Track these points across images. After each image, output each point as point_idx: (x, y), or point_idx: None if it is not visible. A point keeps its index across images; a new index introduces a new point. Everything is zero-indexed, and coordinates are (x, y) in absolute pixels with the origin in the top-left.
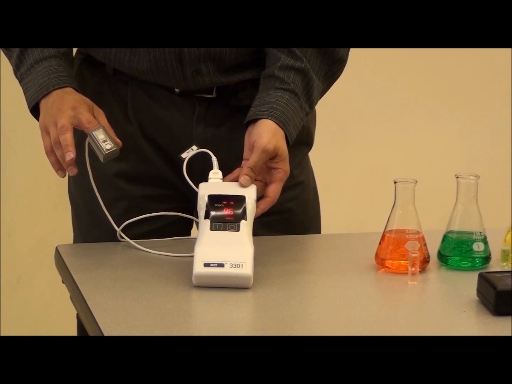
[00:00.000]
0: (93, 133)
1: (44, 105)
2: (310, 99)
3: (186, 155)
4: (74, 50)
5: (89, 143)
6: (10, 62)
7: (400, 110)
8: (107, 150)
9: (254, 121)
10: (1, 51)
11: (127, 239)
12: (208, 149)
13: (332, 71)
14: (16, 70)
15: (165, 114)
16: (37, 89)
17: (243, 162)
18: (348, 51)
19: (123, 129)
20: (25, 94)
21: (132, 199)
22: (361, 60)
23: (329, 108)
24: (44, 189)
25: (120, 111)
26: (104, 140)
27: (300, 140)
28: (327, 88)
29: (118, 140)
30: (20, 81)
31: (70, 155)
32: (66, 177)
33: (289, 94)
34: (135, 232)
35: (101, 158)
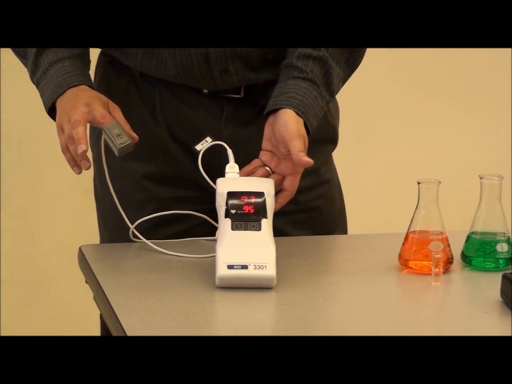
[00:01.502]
0: (107, 127)
1: (59, 104)
2: (330, 88)
3: (201, 147)
4: (97, 52)
5: (105, 139)
6: (26, 68)
7: (424, 109)
8: (121, 144)
9: (274, 112)
10: (18, 59)
11: (141, 238)
12: (237, 150)
13: (353, 57)
14: (33, 76)
15: (194, 115)
16: (52, 90)
17: (261, 152)
18: None
19: (151, 131)
20: (42, 97)
21: (160, 200)
22: (385, 60)
23: (352, 108)
24: (67, 189)
25: (148, 113)
26: (118, 134)
27: (326, 138)
28: (349, 75)
29: (134, 134)
30: (37, 86)
31: (82, 147)
32: (91, 178)
33: (307, 82)
34: (162, 233)
35: (116, 152)
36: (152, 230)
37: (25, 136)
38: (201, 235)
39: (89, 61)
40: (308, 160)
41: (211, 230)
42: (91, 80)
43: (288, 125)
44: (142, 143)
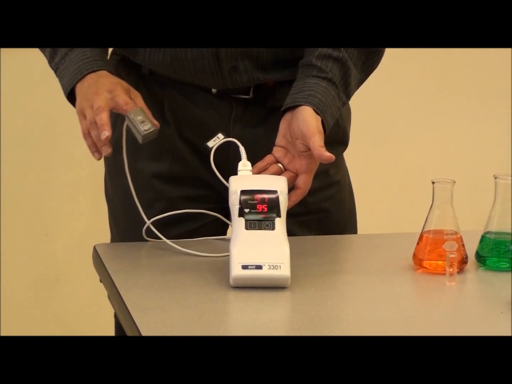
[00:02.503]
0: (131, 114)
1: (79, 90)
2: (347, 89)
3: (213, 143)
4: (109, 51)
5: (127, 126)
6: (44, 54)
7: (437, 109)
8: (145, 130)
9: (292, 108)
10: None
11: (159, 235)
12: (246, 150)
13: (370, 61)
14: (51, 61)
15: (202, 115)
16: (71, 75)
17: (275, 149)
18: None
19: (160, 130)
20: (60, 82)
21: (169, 200)
22: (396, 60)
23: (365, 108)
24: (81, 188)
25: (157, 112)
26: (142, 121)
27: (336, 139)
28: (364, 78)
29: (156, 122)
30: (55, 71)
31: (106, 133)
32: (103, 177)
33: (326, 82)
34: (172, 232)
35: (140, 139)
36: (162, 229)
37: (39, 135)
38: (210, 234)
39: (107, 49)
40: (330, 155)
41: (221, 229)
42: (111, 66)
43: (308, 121)
44: (151, 143)
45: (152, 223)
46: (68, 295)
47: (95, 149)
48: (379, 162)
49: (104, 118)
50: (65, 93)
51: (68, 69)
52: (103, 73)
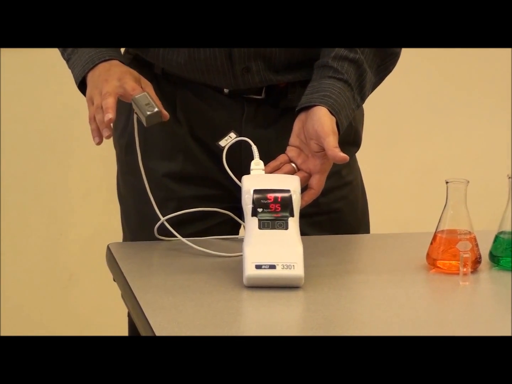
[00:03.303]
0: (137, 98)
1: (91, 78)
2: (362, 91)
3: (225, 143)
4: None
5: (135, 114)
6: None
7: (450, 109)
8: (150, 112)
9: (307, 108)
10: None
11: (174, 232)
12: (257, 150)
13: (384, 65)
14: (63, 51)
15: (214, 115)
16: (83, 64)
17: (288, 148)
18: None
19: (172, 129)
20: (72, 72)
21: (181, 199)
22: (409, 60)
23: (379, 108)
24: (95, 187)
25: (169, 112)
26: (147, 103)
27: (348, 140)
28: (379, 82)
29: (165, 112)
30: (67, 61)
31: (109, 115)
32: (116, 177)
33: (342, 83)
34: (184, 232)
35: (144, 122)
36: (174, 229)
37: (53, 134)
38: (222, 233)
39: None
40: (344, 156)
41: (233, 229)
42: (122, 56)
43: (323, 121)
44: (162, 142)
45: (166, 221)
46: (81, 294)
47: (97, 133)
48: (392, 162)
49: (110, 102)
50: (76, 82)
51: (81, 58)
52: (115, 62)
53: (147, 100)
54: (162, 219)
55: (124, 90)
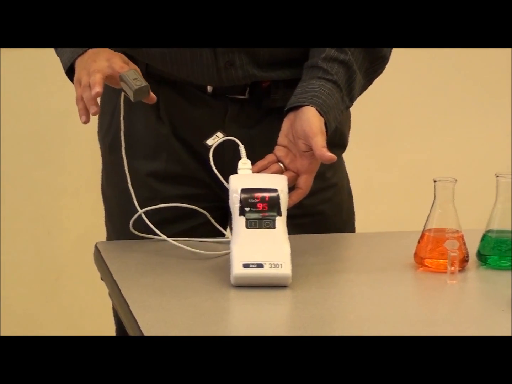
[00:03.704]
0: (125, 73)
1: (79, 62)
2: (351, 93)
3: (212, 142)
4: None
5: (124, 94)
6: None
7: (436, 109)
8: (138, 86)
9: (295, 108)
10: None
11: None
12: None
13: (373, 68)
14: None
15: (197, 114)
16: (72, 50)
17: (276, 148)
18: (391, 50)
19: (155, 129)
20: (61, 58)
21: (165, 198)
22: (395, 61)
23: (367, 109)
24: (83, 186)
25: (153, 111)
26: (136, 78)
27: (333, 142)
28: (367, 84)
29: (153, 95)
30: (55, 49)
31: (96, 89)
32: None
33: (331, 84)
34: (169, 230)
35: (132, 97)
36: (159, 227)
37: (41, 133)
38: (209, 232)
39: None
40: (332, 156)
41: (217, 228)
42: None
43: (312, 121)
44: (146, 142)
45: (150, 220)
46: (69, 293)
47: (84, 112)
48: (380, 162)
49: (97, 77)
50: (64, 68)
51: None
52: (104, 48)
53: (136, 76)
54: (140, 211)
55: (113, 70)
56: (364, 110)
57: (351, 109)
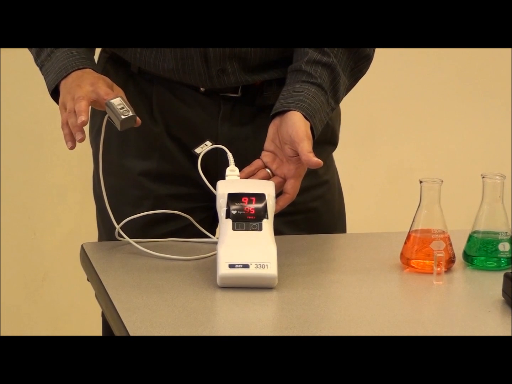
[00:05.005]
0: (111, 102)
1: (63, 86)
2: (336, 95)
3: (200, 150)
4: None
5: (108, 117)
6: (30, 51)
7: (425, 109)
8: (125, 116)
9: (281, 113)
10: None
11: (126, 238)
12: (234, 148)
13: (358, 68)
14: (37, 58)
15: (190, 113)
16: (56, 72)
17: (263, 153)
18: (374, 49)
19: (148, 128)
20: (45, 79)
21: (157, 198)
22: (385, 59)
23: (354, 108)
24: (69, 186)
25: (146, 110)
26: (122, 107)
27: (325, 140)
28: (353, 84)
29: (138, 119)
30: (40, 68)
31: (82, 118)
32: (91, 176)
33: (316, 88)
34: (159, 231)
35: (118, 126)
36: (148, 228)
37: (26, 133)
38: (198, 232)
39: (94, 48)
40: (318, 161)
41: (210, 228)
42: (96, 65)
43: (297, 126)
44: (139, 140)
45: (139, 220)
46: (55, 294)
47: (69, 137)
48: (367, 162)
49: (83, 105)
50: (49, 90)
51: (54, 66)
52: (88, 70)
53: (122, 104)
54: (117, 226)
55: (97, 95)
56: (352, 110)
57: (341, 108)
